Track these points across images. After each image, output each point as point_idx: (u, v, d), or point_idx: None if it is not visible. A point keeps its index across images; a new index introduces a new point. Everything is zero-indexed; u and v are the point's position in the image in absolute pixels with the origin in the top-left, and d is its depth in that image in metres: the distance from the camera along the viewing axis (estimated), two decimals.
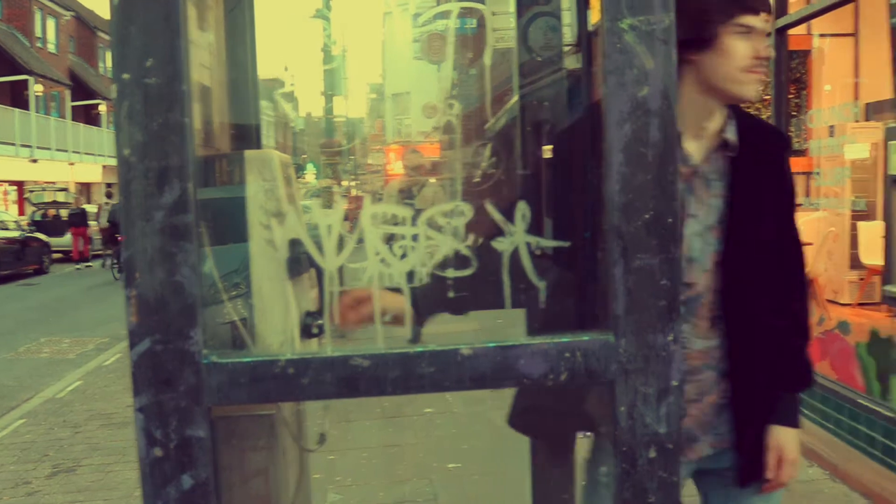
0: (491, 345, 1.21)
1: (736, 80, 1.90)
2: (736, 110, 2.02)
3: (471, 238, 1.48)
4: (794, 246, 2.10)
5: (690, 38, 1.85)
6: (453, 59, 1.68)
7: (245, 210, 1.99)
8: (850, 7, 6.04)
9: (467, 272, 1.50)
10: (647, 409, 1.21)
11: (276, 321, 1.96)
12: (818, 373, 5.41)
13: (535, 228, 1.50)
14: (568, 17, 9.52)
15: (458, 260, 1.49)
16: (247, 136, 2.43)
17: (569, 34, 9.64)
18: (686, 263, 1.96)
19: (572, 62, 9.57)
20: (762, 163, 2.03)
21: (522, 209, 1.46)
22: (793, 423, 2.08)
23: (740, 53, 1.88)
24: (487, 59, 1.51)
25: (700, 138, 1.99)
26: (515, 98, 2.40)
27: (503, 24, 2.46)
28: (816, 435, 5.48)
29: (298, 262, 1.98)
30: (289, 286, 2.01)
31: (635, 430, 1.21)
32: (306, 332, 2.07)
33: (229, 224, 2.01)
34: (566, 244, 1.54)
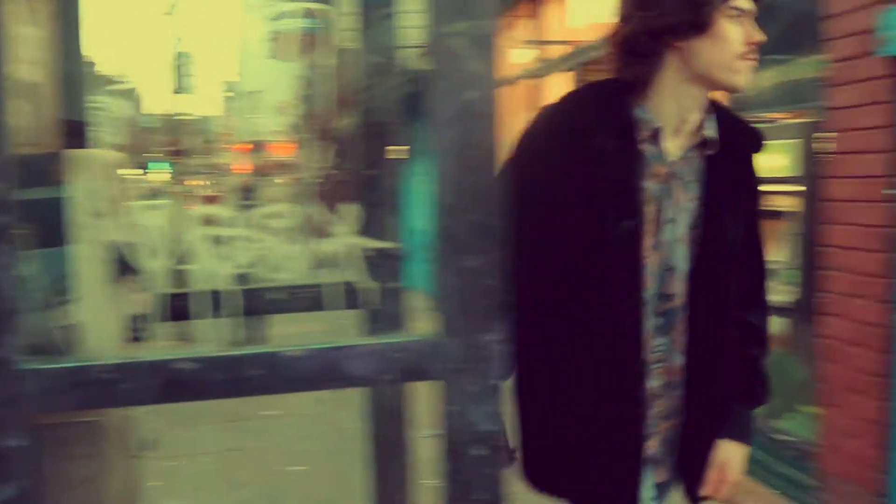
0: (320, 346, 1.21)
1: (729, 68, 1.74)
2: (715, 105, 1.87)
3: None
4: (758, 254, 1.98)
5: (682, 23, 1.71)
6: (302, 59, 1.67)
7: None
8: None
9: None
10: (473, 408, 1.23)
11: (103, 325, 1.90)
12: None
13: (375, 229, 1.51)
14: (417, 20, 9.57)
15: None
16: (79, 133, 2.35)
17: (418, 36, 9.68)
18: (666, 273, 1.82)
19: (421, 63, 9.64)
20: (737, 163, 1.89)
21: (357, 210, 1.46)
22: (743, 439, 1.97)
23: (735, 39, 1.72)
24: (333, 59, 1.51)
25: (679, 134, 1.82)
26: (361, 99, 2.41)
27: (350, 25, 2.46)
28: None
29: (125, 264, 1.93)
30: (115, 289, 1.95)
31: (462, 428, 1.23)
32: (133, 336, 2.02)
33: (60, 225, 1.93)
34: (397, 246, 1.56)
